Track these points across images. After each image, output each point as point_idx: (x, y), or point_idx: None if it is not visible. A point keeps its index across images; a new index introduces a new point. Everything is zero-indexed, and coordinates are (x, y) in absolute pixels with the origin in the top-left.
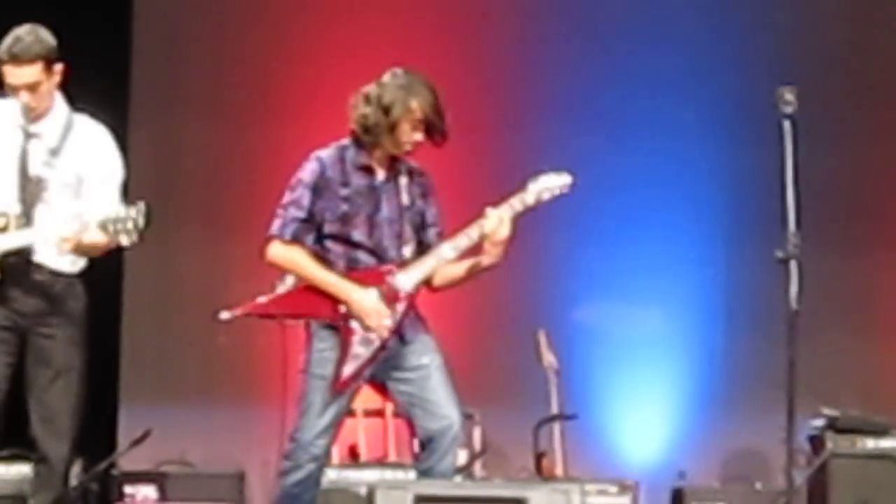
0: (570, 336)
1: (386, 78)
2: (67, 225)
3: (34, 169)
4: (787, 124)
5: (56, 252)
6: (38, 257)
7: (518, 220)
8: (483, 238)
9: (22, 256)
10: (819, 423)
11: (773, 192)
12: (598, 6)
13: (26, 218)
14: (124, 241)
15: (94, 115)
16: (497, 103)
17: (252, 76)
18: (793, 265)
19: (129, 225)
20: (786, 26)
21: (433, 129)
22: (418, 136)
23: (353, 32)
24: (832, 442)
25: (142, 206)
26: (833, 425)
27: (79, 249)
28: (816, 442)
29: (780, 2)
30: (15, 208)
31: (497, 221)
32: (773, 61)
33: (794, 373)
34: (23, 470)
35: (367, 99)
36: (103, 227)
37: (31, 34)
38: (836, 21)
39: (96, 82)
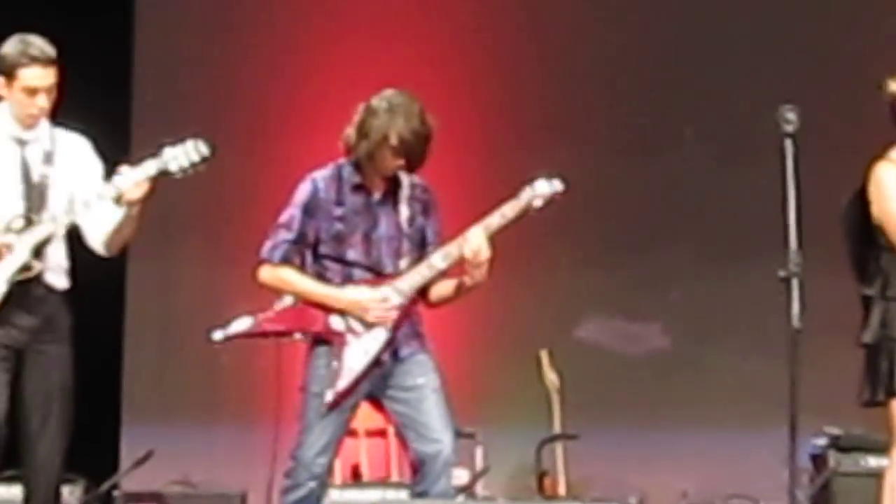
0: (572, 354)
1: (374, 101)
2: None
3: (35, 171)
4: (788, 143)
5: (110, 225)
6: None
7: (513, 237)
8: (464, 259)
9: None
10: (822, 441)
11: (774, 209)
12: (599, 22)
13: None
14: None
15: (98, 135)
16: (499, 122)
17: (253, 98)
18: (794, 283)
19: (191, 157)
20: (787, 45)
21: (412, 156)
22: (399, 163)
23: (352, 55)
24: (835, 460)
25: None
26: (836, 444)
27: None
28: (819, 460)
29: (781, 21)
30: (20, 210)
31: (477, 244)
32: (775, 80)
33: (797, 391)
34: (13, 491)
35: (353, 121)
36: (164, 167)
37: (38, 38)
38: (837, 41)
39: (99, 105)
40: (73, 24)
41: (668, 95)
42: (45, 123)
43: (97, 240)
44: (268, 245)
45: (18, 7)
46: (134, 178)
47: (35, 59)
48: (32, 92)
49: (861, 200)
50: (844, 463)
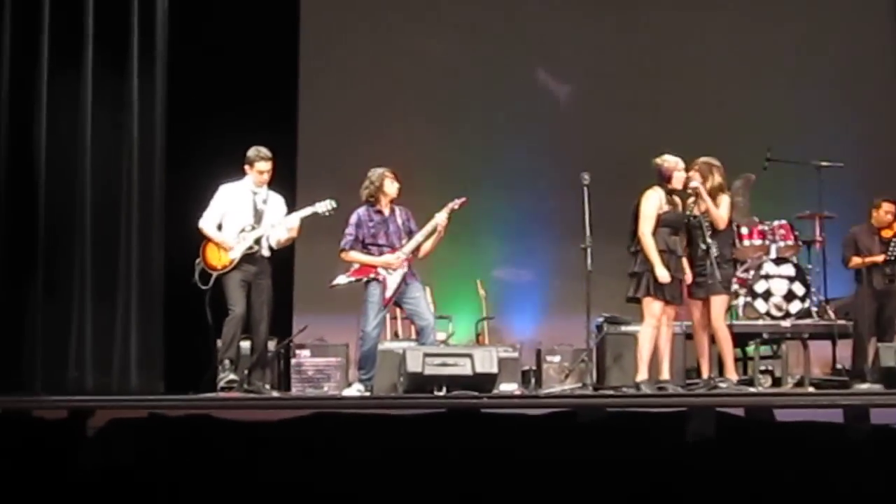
0: (493, 283)
1: (370, 171)
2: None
3: (258, 206)
4: (585, 191)
5: (284, 236)
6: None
7: (469, 234)
8: (434, 229)
9: (258, 245)
10: (600, 319)
11: (580, 218)
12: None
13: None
14: (325, 210)
15: (276, 190)
16: (452, 177)
17: (364, 163)
18: (588, 250)
19: (329, 206)
20: (586, 126)
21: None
22: (384, 193)
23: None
24: (606, 328)
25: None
26: (607, 320)
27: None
28: (599, 328)
29: (579, 111)
30: (250, 223)
31: (441, 220)
32: (581, 151)
33: (590, 299)
34: (247, 344)
35: (365, 182)
36: (314, 211)
37: (263, 147)
38: (623, 119)
39: (278, 173)
40: (250, 121)
41: (522, 163)
42: (265, 186)
43: (271, 244)
44: (342, 241)
45: (222, 125)
46: (298, 216)
47: (262, 158)
48: (261, 173)
49: (637, 206)
50: (609, 329)
